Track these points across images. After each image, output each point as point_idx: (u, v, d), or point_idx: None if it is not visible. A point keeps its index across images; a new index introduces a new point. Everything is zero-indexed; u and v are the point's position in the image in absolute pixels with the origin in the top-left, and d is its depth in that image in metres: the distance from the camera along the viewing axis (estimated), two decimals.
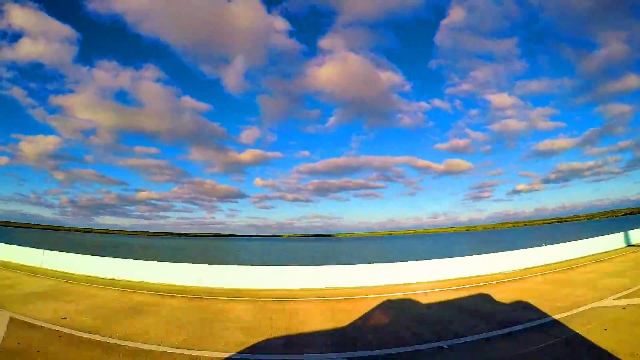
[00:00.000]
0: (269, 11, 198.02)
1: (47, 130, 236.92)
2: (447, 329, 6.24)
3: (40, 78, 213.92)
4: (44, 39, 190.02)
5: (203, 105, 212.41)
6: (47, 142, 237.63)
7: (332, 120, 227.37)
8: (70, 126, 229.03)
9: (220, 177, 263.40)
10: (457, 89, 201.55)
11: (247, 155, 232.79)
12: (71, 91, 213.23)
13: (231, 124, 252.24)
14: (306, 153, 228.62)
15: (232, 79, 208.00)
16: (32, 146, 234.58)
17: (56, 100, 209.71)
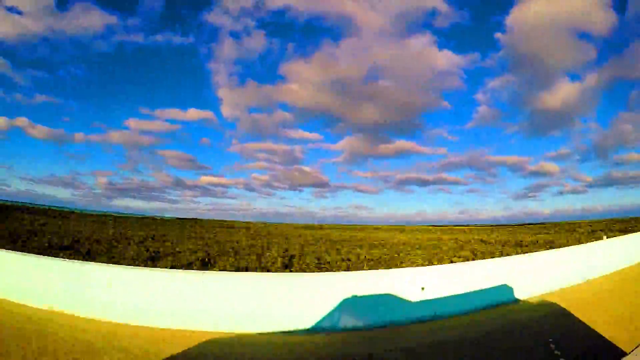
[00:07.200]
0: None
1: (207, 105, 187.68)
2: None
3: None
4: None
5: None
6: (189, 117, 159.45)
7: (514, 128, 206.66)
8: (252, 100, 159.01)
9: (329, 167, 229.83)
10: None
11: (391, 147, 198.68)
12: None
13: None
14: (443, 150, 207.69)
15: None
16: (150, 123, 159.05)
17: (287, 67, 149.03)
